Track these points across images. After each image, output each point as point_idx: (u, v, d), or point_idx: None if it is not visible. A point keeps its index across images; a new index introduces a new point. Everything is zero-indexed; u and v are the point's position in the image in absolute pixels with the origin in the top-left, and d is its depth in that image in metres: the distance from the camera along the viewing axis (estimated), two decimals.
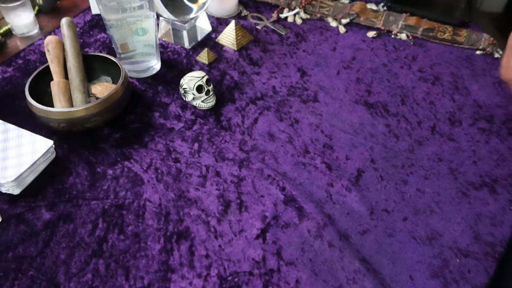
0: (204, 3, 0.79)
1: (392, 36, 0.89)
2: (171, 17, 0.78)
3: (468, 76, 0.79)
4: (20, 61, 0.80)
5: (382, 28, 0.89)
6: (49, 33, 0.87)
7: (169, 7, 0.77)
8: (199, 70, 0.78)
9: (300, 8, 0.93)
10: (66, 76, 0.68)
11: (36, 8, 0.93)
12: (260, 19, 0.93)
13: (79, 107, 0.62)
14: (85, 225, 0.55)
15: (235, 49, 0.84)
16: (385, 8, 0.94)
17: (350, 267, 0.51)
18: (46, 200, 0.58)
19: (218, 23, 0.91)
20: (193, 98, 0.69)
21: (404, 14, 0.90)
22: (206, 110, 0.71)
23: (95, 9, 0.93)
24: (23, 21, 0.86)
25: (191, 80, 0.68)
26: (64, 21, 0.70)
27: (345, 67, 0.81)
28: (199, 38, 0.87)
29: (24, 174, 0.57)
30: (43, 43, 0.70)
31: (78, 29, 0.89)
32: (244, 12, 0.94)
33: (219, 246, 0.53)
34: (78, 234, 0.54)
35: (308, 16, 0.93)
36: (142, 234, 0.54)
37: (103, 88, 0.70)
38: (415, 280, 0.51)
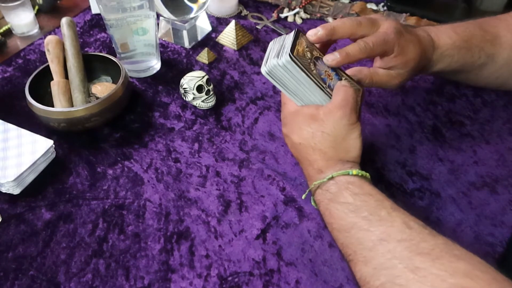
0: (204, 3, 0.79)
1: None
2: (171, 16, 0.78)
3: None
4: (20, 61, 0.80)
5: None
6: (49, 33, 0.87)
7: (169, 6, 0.76)
8: (199, 70, 0.78)
9: (300, 8, 0.93)
10: (66, 75, 0.68)
11: (36, 7, 0.93)
12: (260, 19, 0.93)
13: (79, 106, 0.62)
14: (85, 225, 0.55)
15: (235, 48, 0.84)
16: (385, 8, 0.94)
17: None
18: (46, 200, 0.58)
19: (218, 23, 0.91)
20: (193, 98, 0.69)
21: (404, 14, 0.89)
22: (206, 110, 0.71)
23: (95, 9, 0.93)
24: (23, 20, 0.85)
25: (191, 80, 0.68)
26: (64, 20, 0.70)
27: (345, 67, 0.80)
28: (199, 37, 0.87)
29: (24, 174, 0.57)
30: (43, 42, 0.70)
31: (78, 28, 0.88)
32: (244, 12, 0.94)
33: (219, 246, 0.53)
34: (78, 234, 0.54)
35: (308, 16, 0.93)
36: (142, 234, 0.54)
37: (103, 88, 0.70)
38: None
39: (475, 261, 0.38)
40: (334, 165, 0.48)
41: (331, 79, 0.51)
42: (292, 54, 0.47)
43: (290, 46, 0.47)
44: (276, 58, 0.47)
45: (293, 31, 0.51)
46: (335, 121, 0.48)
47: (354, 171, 0.47)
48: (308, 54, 0.50)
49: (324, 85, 0.49)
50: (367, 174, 0.48)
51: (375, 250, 0.41)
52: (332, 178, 0.47)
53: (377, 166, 0.63)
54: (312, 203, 0.51)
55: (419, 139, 0.67)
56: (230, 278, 0.50)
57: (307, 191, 0.51)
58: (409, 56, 0.54)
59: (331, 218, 0.46)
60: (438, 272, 0.37)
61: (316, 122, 0.48)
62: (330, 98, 0.50)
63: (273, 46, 0.51)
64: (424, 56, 0.56)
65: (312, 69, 0.49)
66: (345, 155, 0.48)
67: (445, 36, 0.59)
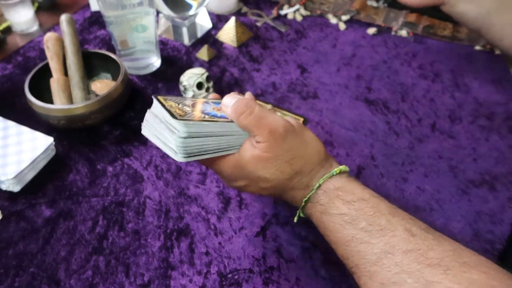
0: (203, 0, 0.79)
1: (393, 33, 0.88)
2: (171, 13, 0.78)
3: (468, 73, 0.79)
4: (19, 58, 0.80)
5: (382, 25, 0.89)
6: (49, 30, 0.87)
7: (168, 3, 0.76)
8: (199, 67, 0.77)
9: (300, 4, 0.93)
10: (65, 73, 0.68)
11: (36, 4, 0.93)
12: (260, 16, 0.92)
13: (79, 104, 0.62)
14: (85, 222, 0.55)
15: (235, 45, 0.84)
16: (385, 4, 0.94)
17: None
18: (46, 197, 0.58)
19: (218, 20, 0.91)
20: (193, 95, 0.69)
21: (404, 11, 0.89)
22: None
23: (94, 6, 0.93)
24: (22, 17, 0.85)
25: (191, 77, 0.68)
26: (63, 17, 0.70)
27: (345, 64, 0.80)
28: (199, 35, 0.86)
29: (24, 171, 0.57)
30: (43, 40, 0.70)
31: (77, 25, 0.88)
32: (244, 9, 0.94)
33: (219, 243, 0.53)
34: (79, 231, 0.54)
35: (308, 13, 0.93)
36: (142, 231, 0.54)
37: (102, 85, 0.70)
38: None
39: (486, 267, 0.36)
40: (317, 173, 0.45)
41: (222, 111, 0.47)
42: (178, 118, 0.41)
43: (169, 114, 0.41)
44: (174, 135, 0.41)
45: (154, 103, 0.44)
46: (288, 146, 0.44)
47: (337, 169, 0.44)
48: (187, 108, 0.45)
49: (228, 119, 0.45)
50: (346, 168, 0.46)
51: (379, 264, 0.39)
52: (319, 186, 0.44)
53: (376, 163, 0.63)
54: (301, 214, 0.48)
55: (419, 136, 0.67)
56: (230, 275, 0.50)
57: (298, 212, 0.47)
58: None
59: (326, 230, 0.44)
60: (453, 286, 0.35)
61: (271, 160, 0.44)
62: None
63: (156, 133, 0.44)
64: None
65: (204, 116, 0.44)
66: (318, 158, 0.46)
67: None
